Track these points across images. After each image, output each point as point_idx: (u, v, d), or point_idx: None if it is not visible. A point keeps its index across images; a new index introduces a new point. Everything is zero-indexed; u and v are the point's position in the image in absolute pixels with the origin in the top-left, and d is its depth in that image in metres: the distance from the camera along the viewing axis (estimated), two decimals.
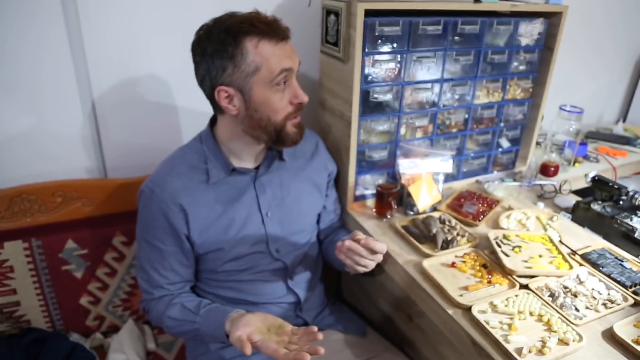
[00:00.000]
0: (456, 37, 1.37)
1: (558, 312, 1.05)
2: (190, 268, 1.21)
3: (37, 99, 1.33)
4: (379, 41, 1.28)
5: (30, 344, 1.29)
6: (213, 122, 1.20)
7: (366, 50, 1.26)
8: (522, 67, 1.54)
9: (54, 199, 1.35)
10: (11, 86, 1.29)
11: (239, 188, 1.18)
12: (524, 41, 1.49)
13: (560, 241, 1.29)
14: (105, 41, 1.34)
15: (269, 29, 1.04)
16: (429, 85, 1.40)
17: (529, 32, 1.48)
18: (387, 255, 1.25)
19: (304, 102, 1.11)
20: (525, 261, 1.19)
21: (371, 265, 1.14)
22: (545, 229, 1.35)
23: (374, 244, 1.09)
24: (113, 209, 1.42)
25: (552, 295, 1.10)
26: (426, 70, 1.37)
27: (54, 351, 1.28)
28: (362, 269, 1.15)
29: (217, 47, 1.03)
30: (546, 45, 1.54)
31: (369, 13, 1.23)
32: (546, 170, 1.68)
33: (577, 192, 1.60)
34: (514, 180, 1.63)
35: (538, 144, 1.82)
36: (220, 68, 1.05)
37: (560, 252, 1.22)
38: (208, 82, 1.08)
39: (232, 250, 1.18)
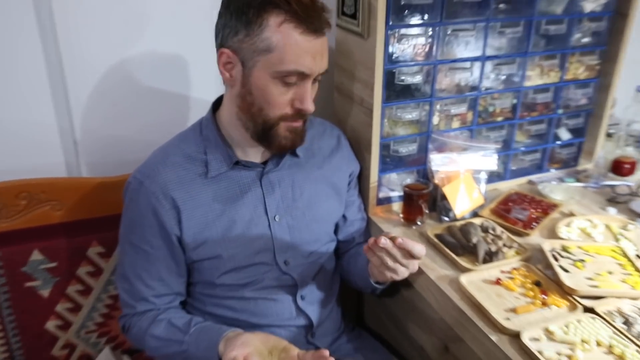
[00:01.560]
0: (501, 5, 1.36)
1: (634, 344, 1.01)
2: (182, 278, 1.22)
3: None
4: (406, 11, 1.27)
5: None
6: (217, 106, 1.22)
7: (390, 22, 1.26)
8: (585, 40, 1.51)
9: (17, 202, 1.35)
10: None
11: (242, 185, 1.19)
12: (588, 6, 1.46)
13: (638, 255, 1.26)
14: (81, 13, 1.34)
15: (304, 12, 1.04)
16: (467, 65, 1.39)
17: None
18: (417, 270, 1.22)
19: (306, 112, 1.12)
20: (591, 279, 1.16)
21: (403, 272, 1.12)
22: (617, 240, 1.32)
23: (411, 245, 1.06)
24: (89, 213, 1.42)
25: (626, 321, 1.06)
26: (464, 46, 1.36)
27: None
28: (390, 275, 1.12)
29: (240, 7, 1.06)
30: (618, 10, 1.50)
31: None
32: (619, 167, 1.64)
33: None
34: (577, 180, 1.60)
35: (609, 135, 1.78)
36: (233, 29, 1.08)
37: (636, 269, 1.19)
38: (219, 39, 1.12)
39: (232, 259, 1.18)
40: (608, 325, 1.04)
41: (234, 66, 1.10)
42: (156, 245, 1.16)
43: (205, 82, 1.51)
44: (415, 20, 1.28)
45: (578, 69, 1.53)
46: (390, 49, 1.28)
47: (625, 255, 1.23)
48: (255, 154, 1.21)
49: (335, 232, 1.35)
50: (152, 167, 1.17)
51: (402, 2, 1.24)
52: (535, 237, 1.33)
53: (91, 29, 1.36)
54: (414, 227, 1.37)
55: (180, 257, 1.18)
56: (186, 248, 1.17)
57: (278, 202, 1.22)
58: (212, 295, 1.23)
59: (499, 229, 1.32)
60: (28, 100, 1.37)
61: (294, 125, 1.14)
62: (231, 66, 1.10)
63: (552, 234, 1.34)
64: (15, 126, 1.38)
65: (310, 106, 1.11)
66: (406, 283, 1.29)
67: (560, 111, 1.57)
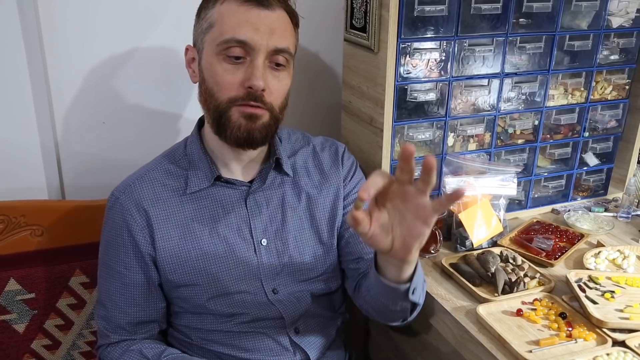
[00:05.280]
0: (521, 19, 1.41)
1: None
2: (160, 303, 1.24)
3: None
4: (419, 24, 1.32)
5: None
6: (203, 122, 1.27)
7: (402, 36, 1.31)
8: (613, 57, 1.55)
9: None
10: None
11: (225, 205, 1.22)
12: (615, 21, 1.51)
13: None
14: (70, 26, 1.41)
15: None
16: (485, 82, 1.43)
17: (623, 8, 1.50)
18: (431, 301, 1.25)
19: (253, 87, 1.11)
20: (621, 310, 1.18)
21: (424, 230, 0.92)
22: None
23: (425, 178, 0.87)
24: (72, 239, 1.44)
25: None
26: (481, 61, 1.41)
27: None
28: (419, 232, 0.92)
29: (201, 3, 1.18)
30: None
31: None
32: None
33: None
34: (606, 209, 1.63)
35: None
36: (195, 22, 1.19)
37: None
38: None
39: (213, 286, 1.20)
40: None
41: (195, 59, 1.18)
42: (131, 266, 1.20)
43: (189, 102, 1.57)
44: (429, 33, 1.32)
45: (606, 89, 1.58)
46: (402, 64, 1.32)
47: None
48: (240, 172, 1.24)
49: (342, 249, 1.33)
50: (129, 182, 1.22)
51: (415, 14, 1.29)
52: (559, 268, 1.36)
53: (80, 42, 1.42)
54: (427, 257, 1.39)
55: (156, 279, 1.21)
56: (162, 271, 1.20)
57: (266, 225, 1.24)
58: (199, 328, 1.24)
59: (519, 259, 1.35)
60: (9, 117, 1.41)
61: (248, 111, 1.12)
62: (194, 61, 1.19)
63: (579, 265, 1.37)
64: None
65: (256, 81, 1.10)
66: (418, 316, 1.29)
67: (586, 134, 1.60)
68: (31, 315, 1.42)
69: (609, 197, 1.71)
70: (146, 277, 1.21)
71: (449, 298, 1.25)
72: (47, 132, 1.47)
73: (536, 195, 1.62)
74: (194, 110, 1.56)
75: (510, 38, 1.41)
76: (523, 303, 1.22)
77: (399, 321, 1.20)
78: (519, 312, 1.18)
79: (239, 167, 1.24)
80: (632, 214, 1.60)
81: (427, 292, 1.25)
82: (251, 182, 1.25)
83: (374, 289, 1.13)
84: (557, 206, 1.64)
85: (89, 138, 1.51)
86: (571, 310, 1.19)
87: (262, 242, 1.23)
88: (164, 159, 1.26)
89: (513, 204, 1.57)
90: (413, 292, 1.07)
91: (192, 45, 1.20)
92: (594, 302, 1.19)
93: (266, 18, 1.11)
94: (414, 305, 1.14)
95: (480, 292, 1.24)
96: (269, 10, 1.12)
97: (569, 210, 1.59)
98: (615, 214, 1.61)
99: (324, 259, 1.31)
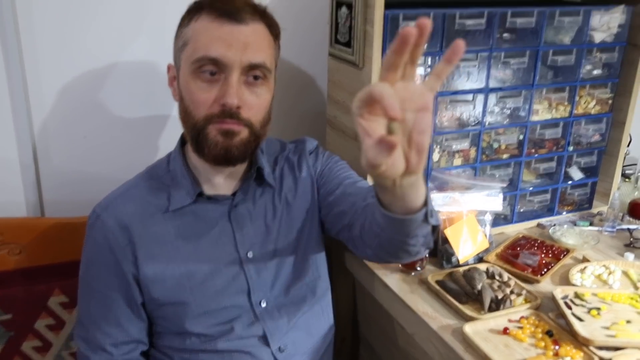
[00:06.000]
0: (505, 34, 1.42)
1: None
2: (142, 323, 1.24)
3: None
4: None
5: None
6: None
7: (387, 51, 1.30)
8: (596, 72, 1.57)
9: None
10: None
11: (208, 220, 1.22)
12: (598, 36, 1.53)
13: None
14: (49, 40, 1.40)
15: (220, 1, 1.11)
16: (469, 97, 1.44)
17: (606, 24, 1.52)
18: (417, 320, 1.25)
19: (227, 105, 1.10)
20: (607, 328, 1.18)
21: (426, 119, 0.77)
22: (637, 287, 1.35)
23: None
24: (51, 258, 1.44)
25: None
26: (466, 76, 1.42)
27: None
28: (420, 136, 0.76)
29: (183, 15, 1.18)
30: (630, 41, 1.57)
31: (390, 4, 1.28)
32: (637, 210, 1.66)
33: None
34: (591, 224, 1.64)
35: (625, 176, 1.82)
36: (174, 41, 1.19)
37: None
38: None
39: (198, 302, 1.20)
40: None
41: (175, 78, 1.18)
42: (112, 285, 1.19)
43: (175, 115, 1.56)
44: None
45: (589, 103, 1.60)
46: None
47: None
48: (223, 186, 1.24)
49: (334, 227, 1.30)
50: (111, 199, 1.21)
51: (400, 30, 1.31)
52: (545, 284, 1.36)
53: (60, 55, 1.42)
54: (412, 274, 1.38)
55: (138, 299, 1.21)
56: (145, 290, 1.19)
57: (251, 237, 1.24)
58: (182, 349, 1.24)
59: (506, 275, 1.35)
60: None
61: (225, 127, 1.11)
62: (174, 79, 1.19)
63: (565, 281, 1.37)
64: None
65: (231, 99, 1.09)
66: (404, 334, 1.31)
67: (570, 148, 1.62)
68: (7, 337, 1.40)
69: (594, 210, 1.73)
70: (128, 297, 1.20)
71: (435, 316, 1.25)
72: (26, 147, 1.45)
73: (522, 210, 1.64)
74: (176, 125, 1.52)
75: (495, 53, 1.42)
76: (510, 321, 1.22)
77: (423, 252, 1.10)
78: (505, 331, 1.18)
79: (222, 180, 1.24)
80: (617, 227, 1.62)
81: (412, 310, 1.26)
82: (234, 194, 1.24)
83: (385, 231, 1.01)
84: (543, 220, 1.66)
85: (69, 153, 1.50)
86: (558, 328, 1.19)
87: (248, 254, 1.23)
88: (147, 175, 1.26)
89: (499, 219, 1.58)
90: (432, 215, 0.96)
91: (172, 63, 1.20)
92: (580, 320, 1.19)
93: (239, 33, 1.10)
94: (433, 228, 1.02)
95: (466, 310, 1.24)
96: (243, 24, 1.10)
97: (554, 225, 1.60)
98: (600, 228, 1.62)
99: (310, 262, 1.32)
